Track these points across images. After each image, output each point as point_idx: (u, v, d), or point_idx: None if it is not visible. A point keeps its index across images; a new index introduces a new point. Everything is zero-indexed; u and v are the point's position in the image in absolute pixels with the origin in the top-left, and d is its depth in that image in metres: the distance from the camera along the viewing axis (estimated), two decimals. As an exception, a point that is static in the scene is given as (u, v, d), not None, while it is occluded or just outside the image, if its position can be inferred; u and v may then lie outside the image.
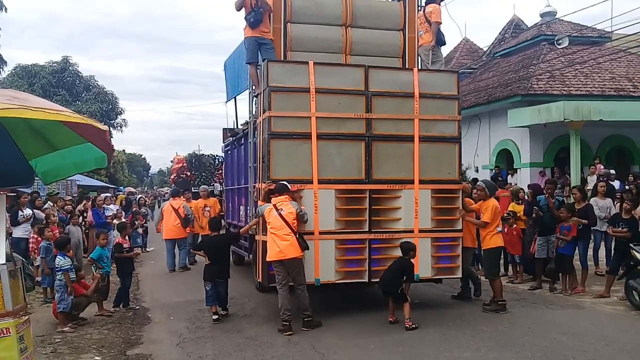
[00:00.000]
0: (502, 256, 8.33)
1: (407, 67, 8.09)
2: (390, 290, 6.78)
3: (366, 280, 7.20)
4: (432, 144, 7.44)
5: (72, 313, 7.11)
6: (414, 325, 6.48)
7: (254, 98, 8.08)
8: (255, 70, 7.75)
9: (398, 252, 6.98)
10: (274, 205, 6.59)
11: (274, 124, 6.96)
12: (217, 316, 7.13)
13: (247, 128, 8.65)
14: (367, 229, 7.16)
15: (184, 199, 12.18)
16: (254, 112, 8.16)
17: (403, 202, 7.28)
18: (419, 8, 8.41)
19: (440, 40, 8.29)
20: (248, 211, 8.59)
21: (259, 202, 6.98)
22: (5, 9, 26.23)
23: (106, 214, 12.38)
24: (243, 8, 7.69)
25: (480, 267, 9.15)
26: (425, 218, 7.31)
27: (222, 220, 9.88)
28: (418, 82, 7.39)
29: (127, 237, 8.66)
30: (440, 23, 8.27)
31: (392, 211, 7.27)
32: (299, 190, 6.91)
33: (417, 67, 8.24)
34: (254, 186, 7.76)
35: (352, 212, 7.14)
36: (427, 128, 7.41)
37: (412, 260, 6.85)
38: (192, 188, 17.67)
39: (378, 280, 7.09)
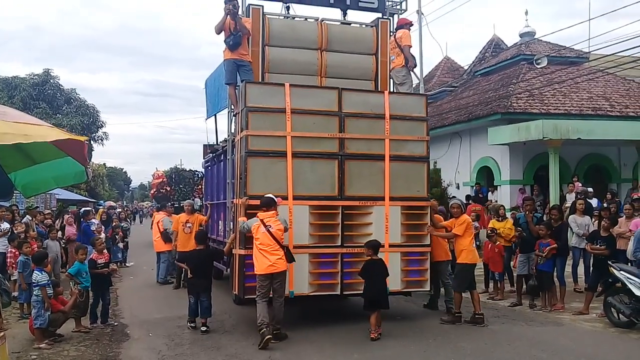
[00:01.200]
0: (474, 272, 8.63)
1: (379, 89, 8.71)
2: (384, 299, 7.12)
3: (338, 292, 7.72)
4: (401, 163, 8.04)
5: (49, 329, 7.17)
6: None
7: (233, 117, 8.60)
8: (234, 91, 8.27)
9: (370, 267, 7.51)
10: (262, 221, 6.92)
11: (251, 143, 7.49)
12: (193, 324, 7.60)
13: (226, 145, 9.17)
14: (339, 244, 7.69)
15: (166, 213, 12.59)
16: (232, 131, 8.68)
17: (374, 218, 7.83)
18: (391, 33, 9.06)
19: (412, 63, 8.93)
20: (227, 225, 9.04)
21: (241, 218, 7.30)
22: (-14, 21, 26.65)
23: (91, 228, 12.55)
24: (223, 32, 8.25)
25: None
26: (395, 233, 7.86)
27: None
28: (389, 104, 8.01)
29: (105, 251, 8.67)
30: (411, 46, 8.93)
31: (363, 227, 7.81)
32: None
33: (389, 89, 8.86)
34: (232, 201, 8.25)
35: (325, 227, 7.67)
36: (397, 148, 8.01)
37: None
38: (175, 203, 18.14)
39: (352, 292, 7.68)
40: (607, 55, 16.55)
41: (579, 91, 17.86)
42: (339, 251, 7.67)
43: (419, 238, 8.03)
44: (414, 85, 9.38)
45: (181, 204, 15.05)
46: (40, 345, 6.88)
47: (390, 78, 8.97)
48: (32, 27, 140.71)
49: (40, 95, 33.04)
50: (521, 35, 21.45)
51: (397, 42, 8.94)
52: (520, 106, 16.75)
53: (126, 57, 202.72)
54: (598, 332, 7.52)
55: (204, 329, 7.58)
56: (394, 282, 7.78)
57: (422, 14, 17.08)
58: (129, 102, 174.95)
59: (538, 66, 18.55)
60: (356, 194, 7.81)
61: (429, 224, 8.08)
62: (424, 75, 18.06)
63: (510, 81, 18.34)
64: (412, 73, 9.10)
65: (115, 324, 8.26)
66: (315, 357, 6.41)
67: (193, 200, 14.46)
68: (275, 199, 7.15)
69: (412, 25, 9.25)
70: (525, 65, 18.95)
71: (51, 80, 33.92)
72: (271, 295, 6.98)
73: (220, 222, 9.98)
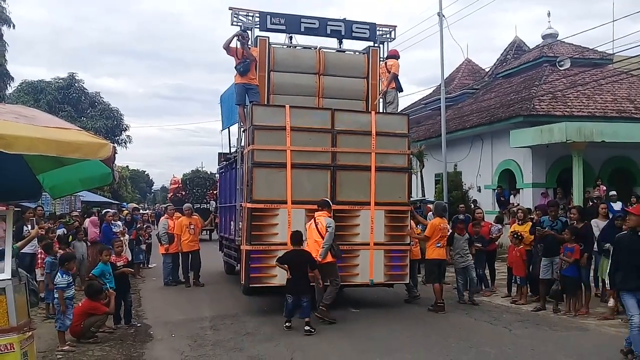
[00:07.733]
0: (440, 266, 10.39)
1: (369, 108, 11.09)
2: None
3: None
4: (385, 173, 10.31)
5: (92, 330, 7.97)
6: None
7: (242, 133, 11.03)
8: (243, 110, 10.72)
9: (357, 261, 9.93)
10: (314, 219, 9.18)
11: (256, 155, 9.85)
12: (289, 324, 8.60)
13: (237, 155, 11.63)
14: (331, 242, 10.02)
15: (166, 217, 14.60)
16: (241, 144, 11.11)
17: (361, 220, 10.13)
18: (381, 60, 11.42)
19: (397, 87, 11.26)
20: (237, 225, 11.31)
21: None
22: (14, 26, 30.13)
23: (114, 229, 14.15)
24: (234, 58, 10.66)
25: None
26: (379, 234, 10.16)
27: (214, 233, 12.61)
28: (375, 123, 10.31)
29: (123, 254, 9.55)
30: (397, 75, 11.24)
31: (352, 227, 10.11)
32: (275, 209, 9.73)
33: (380, 107, 11.18)
34: (241, 205, 10.65)
35: (319, 227, 9.99)
36: (382, 160, 10.30)
37: None
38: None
39: (343, 283, 9.91)
40: (632, 57, 17.77)
41: (603, 93, 19.08)
42: (330, 248, 10.00)
43: (400, 238, 10.35)
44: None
45: (201, 206, 17.49)
46: (64, 348, 7.47)
47: (381, 98, 11.31)
48: (54, 32, 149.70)
49: (65, 98, 36.49)
50: (543, 37, 23.03)
51: (387, 69, 11.28)
52: (543, 108, 18.03)
53: (145, 61, 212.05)
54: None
55: (307, 328, 8.36)
56: (378, 275, 10.11)
57: (443, 16, 19.55)
58: (149, 105, 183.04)
59: (561, 68, 20.00)
60: (346, 200, 10.09)
61: (409, 227, 10.38)
62: (444, 78, 20.16)
63: (533, 83, 19.77)
64: (397, 94, 11.40)
65: (139, 324, 9.11)
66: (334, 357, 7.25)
67: (209, 203, 17.15)
68: (330, 203, 9.38)
69: (399, 57, 11.53)
70: (547, 67, 20.40)
71: (76, 84, 37.42)
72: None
73: (232, 222, 12.41)
